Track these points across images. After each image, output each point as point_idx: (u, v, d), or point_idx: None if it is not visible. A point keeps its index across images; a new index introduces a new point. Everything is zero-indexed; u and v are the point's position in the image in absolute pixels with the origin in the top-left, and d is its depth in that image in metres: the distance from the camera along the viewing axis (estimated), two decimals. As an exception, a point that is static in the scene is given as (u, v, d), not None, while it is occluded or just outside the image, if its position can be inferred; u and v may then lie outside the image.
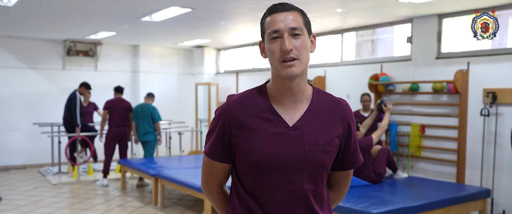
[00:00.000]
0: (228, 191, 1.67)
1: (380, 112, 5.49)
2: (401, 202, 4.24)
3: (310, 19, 1.56)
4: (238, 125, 1.51)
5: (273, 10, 1.50)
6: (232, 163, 1.58)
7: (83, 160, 7.96)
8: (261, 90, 1.56)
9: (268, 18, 1.51)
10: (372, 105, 6.58)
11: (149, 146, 7.45)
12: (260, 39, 1.58)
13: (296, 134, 1.49)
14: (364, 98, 6.27)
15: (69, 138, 7.84)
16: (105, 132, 7.67)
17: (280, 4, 1.52)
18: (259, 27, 1.57)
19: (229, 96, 1.57)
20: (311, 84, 1.59)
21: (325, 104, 1.56)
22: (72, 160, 7.82)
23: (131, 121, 7.48)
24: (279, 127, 1.50)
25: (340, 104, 1.58)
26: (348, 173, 1.67)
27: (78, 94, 7.73)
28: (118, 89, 7.57)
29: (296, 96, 1.52)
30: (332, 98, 1.59)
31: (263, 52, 1.56)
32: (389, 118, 6.51)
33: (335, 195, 1.69)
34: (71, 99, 7.68)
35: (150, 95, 7.63)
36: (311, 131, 1.51)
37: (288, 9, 1.50)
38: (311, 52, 1.53)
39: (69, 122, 7.74)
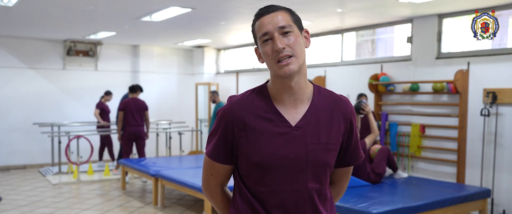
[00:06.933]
0: (229, 192, 1.66)
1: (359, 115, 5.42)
2: (401, 202, 4.24)
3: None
4: (241, 126, 1.49)
5: (260, 14, 1.51)
6: (234, 164, 1.57)
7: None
8: (262, 90, 1.55)
9: (257, 23, 1.51)
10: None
11: None
12: (255, 46, 1.57)
13: (299, 134, 1.49)
14: None
15: (69, 138, 7.85)
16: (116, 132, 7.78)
17: (266, 7, 1.52)
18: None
19: (231, 97, 1.56)
20: (311, 82, 1.58)
21: (326, 102, 1.55)
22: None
23: (148, 120, 7.52)
24: (282, 127, 1.49)
25: (341, 101, 1.58)
26: (348, 169, 1.68)
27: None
28: (132, 89, 7.50)
29: (296, 95, 1.51)
30: (333, 95, 1.58)
31: (260, 58, 1.55)
32: (389, 118, 6.53)
33: (336, 191, 1.69)
34: None
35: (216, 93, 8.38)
36: (313, 129, 1.50)
37: (275, 10, 1.50)
38: (306, 47, 1.52)
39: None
